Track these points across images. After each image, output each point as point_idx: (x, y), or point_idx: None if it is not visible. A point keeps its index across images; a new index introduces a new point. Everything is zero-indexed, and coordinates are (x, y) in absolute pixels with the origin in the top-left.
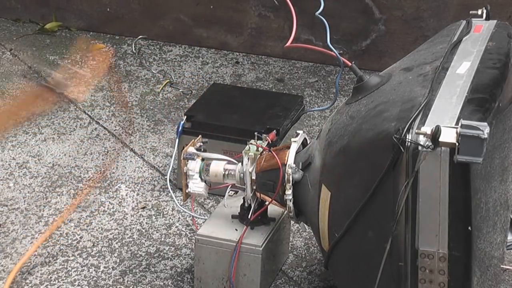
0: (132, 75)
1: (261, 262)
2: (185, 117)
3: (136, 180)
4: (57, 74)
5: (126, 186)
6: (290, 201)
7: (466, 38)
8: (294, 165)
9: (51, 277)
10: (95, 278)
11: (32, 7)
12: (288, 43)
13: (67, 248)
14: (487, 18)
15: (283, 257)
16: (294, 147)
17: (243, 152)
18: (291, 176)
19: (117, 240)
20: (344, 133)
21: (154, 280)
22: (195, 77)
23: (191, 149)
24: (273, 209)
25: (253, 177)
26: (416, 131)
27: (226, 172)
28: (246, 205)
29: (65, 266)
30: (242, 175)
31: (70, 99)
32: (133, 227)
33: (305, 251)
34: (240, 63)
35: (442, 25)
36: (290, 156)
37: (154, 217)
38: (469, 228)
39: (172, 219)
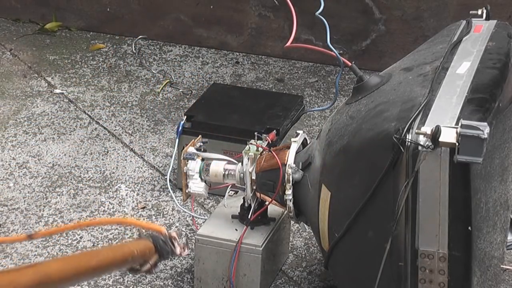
0: (132, 75)
1: (261, 262)
2: (185, 117)
3: (136, 180)
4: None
5: (126, 186)
6: (290, 201)
7: (466, 38)
8: (294, 165)
9: None
10: (95, 278)
11: (32, 7)
12: (288, 43)
13: (67, 248)
14: (487, 18)
15: (283, 257)
16: (294, 147)
17: (243, 152)
18: (291, 176)
19: (117, 240)
20: (344, 133)
21: (154, 280)
22: (195, 77)
23: (191, 149)
24: (273, 209)
25: (253, 177)
26: (416, 131)
27: (226, 172)
28: (246, 205)
29: None
30: (242, 175)
31: (70, 99)
32: (133, 227)
33: (305, 251)
34: (240, 63)
35: (442, 25)
36: (290, 156)
37: (154, 217)
38: (469, 228)
39: (172, 219)
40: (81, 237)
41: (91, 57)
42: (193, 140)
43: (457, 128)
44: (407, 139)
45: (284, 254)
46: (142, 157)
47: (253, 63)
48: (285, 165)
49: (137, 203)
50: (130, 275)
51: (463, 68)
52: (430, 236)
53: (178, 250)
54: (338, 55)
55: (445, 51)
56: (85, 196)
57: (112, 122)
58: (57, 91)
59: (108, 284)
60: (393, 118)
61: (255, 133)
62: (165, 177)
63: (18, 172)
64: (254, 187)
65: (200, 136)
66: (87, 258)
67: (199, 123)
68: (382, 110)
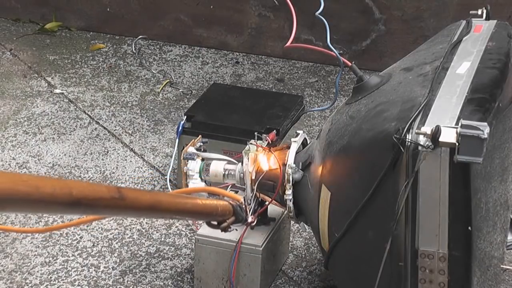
0: (132, 75)
1: (261, 262)
2: (185, 117)
3: (136, 180)
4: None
5: (126, 186)
6: (290, 201)
7: (466, 38)
8: (294, 165)
9: (51, 277)
10: (95, 278)
11: (32, 7)
12: (288, 43)
13: (67, 248)
14: (487, 18)
15: (283, 257)
16: (294, 147)
17: (243, 152)
18: (291, 176)
19: (117, 240)
20: (344, 133)
21: (154, 280)
22: (195, 77)
23: (191, 149)
24: (273, 209)
25: (253, 177)
26: (416, 131)
27: (226, 172)
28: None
29: (65, 266)
30: (242, 175)
31: (70, 99)
32: (133, 227)
33: (305, 251)
34: (240, 63)
35: (442, 25)
36: (290, 156)
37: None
38: (469, 228)
39: (172, 219)
40: (81, 237)
41: (91, 57)
42: (193, 140)
43: (457, 128)
44: (407, 139)
45: (284, 254)
46: (142, 157)
47: (253, 63)
48: (285, 165)
49: None
50: (130, 275)
51: (463, 68)
52: (430, 236)
53: (250, 219)
54: (338, 55)
55: (445, 51)
56: None
57: (112, 122)
58: (57, 91)
59: (108, 284)
60: (393, 118)
61: (255, 133)
62: (165, 177)
63: (18, 172)
64: (254, 187)
65: (200, 136)
66: (185, 200)
67: (199, 123)
68: (382, 110)
